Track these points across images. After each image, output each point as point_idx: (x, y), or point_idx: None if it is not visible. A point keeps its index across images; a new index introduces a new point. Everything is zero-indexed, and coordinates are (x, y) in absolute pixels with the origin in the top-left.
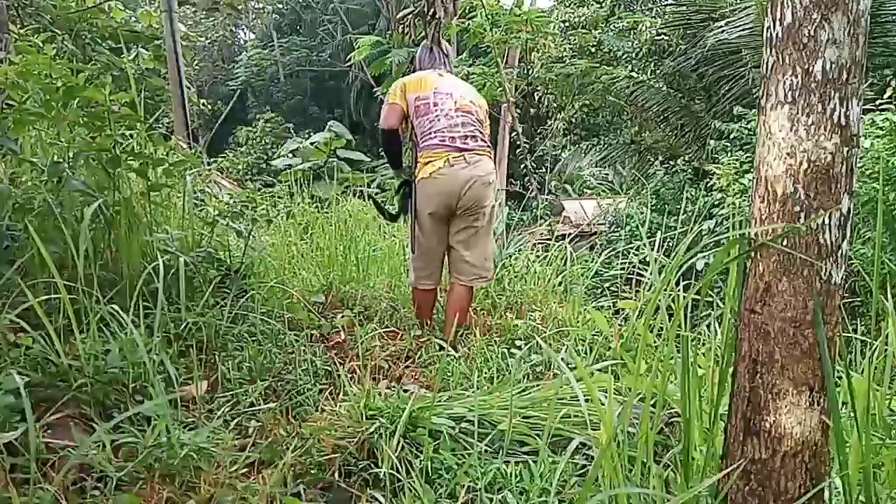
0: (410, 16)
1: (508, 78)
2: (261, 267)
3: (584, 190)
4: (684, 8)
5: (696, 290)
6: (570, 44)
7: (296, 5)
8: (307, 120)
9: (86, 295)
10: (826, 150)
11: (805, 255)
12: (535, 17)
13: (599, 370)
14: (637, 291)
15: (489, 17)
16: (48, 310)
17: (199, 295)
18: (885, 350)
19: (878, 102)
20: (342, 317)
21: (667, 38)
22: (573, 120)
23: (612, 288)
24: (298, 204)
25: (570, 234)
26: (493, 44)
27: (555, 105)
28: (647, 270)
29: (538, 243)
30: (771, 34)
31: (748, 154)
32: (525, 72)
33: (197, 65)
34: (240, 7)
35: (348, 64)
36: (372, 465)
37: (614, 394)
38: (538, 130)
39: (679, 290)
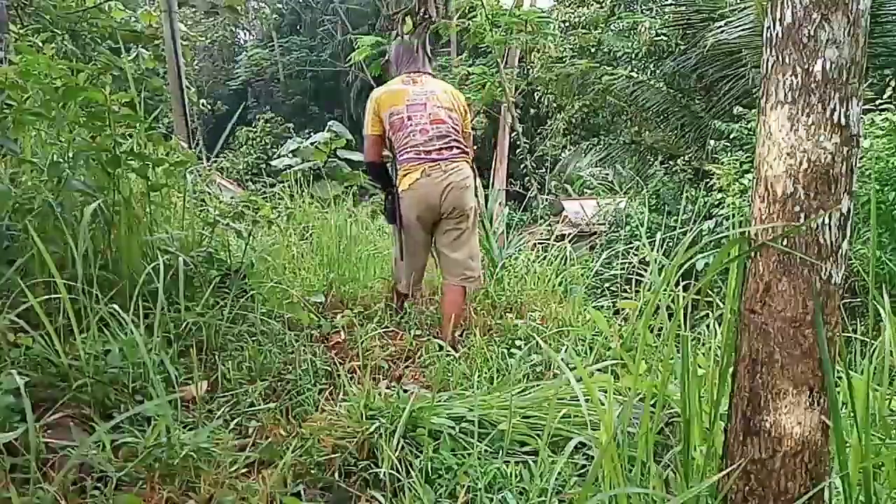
0: (401, 13)
1: (508, 78)
2: (261, 267)
3: (584, 190)
4: (684, 8)
5: (696, 290)
6: (570, 44)
7: (296, 5)
8: (307, 120)
9: (86, 295)
10: (826, 150)
11: (805, 255)
12: (535, 17)
13: (599, 370)
14: (637, 291)
15: (489, 17)
16: (48, 310)
17: (199, 295)
18: (885, 350)
19: (878, 102)
20: (342, 317)
21: (667, 38)
22: (573, 120)
23: (612, 288)
24: (299, 205)
25: (570, 234)
26: (493, 44)
27: (555, 105)
28: (647, 270)
29: (538, 243)
30: (771, 34)
31: (748, 154)
32: (525, 72)
33: (197, 65)
34: (240, 7)
35: (348, 64)
36: (372, 465)
37: (614, 394)
38: (538, 130)
39: (679, 291)
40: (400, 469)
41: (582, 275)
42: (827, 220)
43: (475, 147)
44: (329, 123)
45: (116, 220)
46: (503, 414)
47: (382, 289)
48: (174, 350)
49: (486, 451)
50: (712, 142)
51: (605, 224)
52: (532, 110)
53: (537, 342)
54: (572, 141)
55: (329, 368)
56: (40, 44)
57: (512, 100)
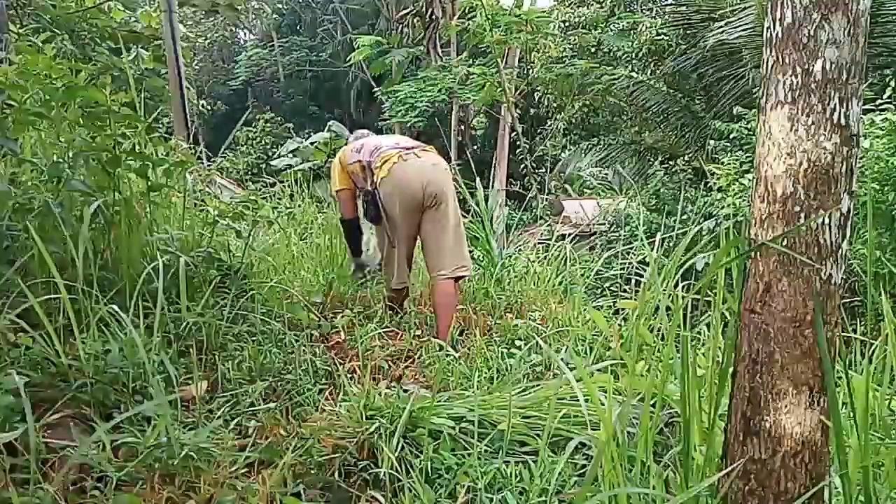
0: (409, 16)
1: (508, 78)
2: (261, 267)
3: (584, 190)
4: (684, 8)
5: (696, 290)
6: (570, 44)
7: (296, 5)
8: (307, 120)
9: (86, 295)
10: (826, 150)
11: (805, 255)
12: (535, 17)
13: (599, 370)
14: (637, 291)
15: (489, 17)
16: (48, 310)
17: (199, 295)
18: (885, 350)
19: (878, 102)
20: (342, 317)
21: (667, 38)
22: (573, 120)
23: (612, 288)
24: (298, 204)
25: (570, 234)
26: (492, 44)
27: (555, 105)
28: (646, 270)
29: (538, 243)
30: (771, 34)
31: (748, 154)
32: (525, 72)
33: (197, 65)
34: (240, 7)
35: (348, 64)
36: (372, 465)
37: (614, 394)
38: (538, 130)
39: (678, 291)
40: (400, 469)
41: (582, 275)
42: (827, 220)
43: (475, 147)
44: (329, 123)
45: (116, 220)
46: (503, 414)
47: (382, 289)
48: (174, 350)
49: (486, 451)
50: (712, 142)
51: (605, 224)
52: (532, 110)
53: (537, 342)
54: (572, 141)
55: (329, 368)
56: (40, 44)
57: (512, 100)
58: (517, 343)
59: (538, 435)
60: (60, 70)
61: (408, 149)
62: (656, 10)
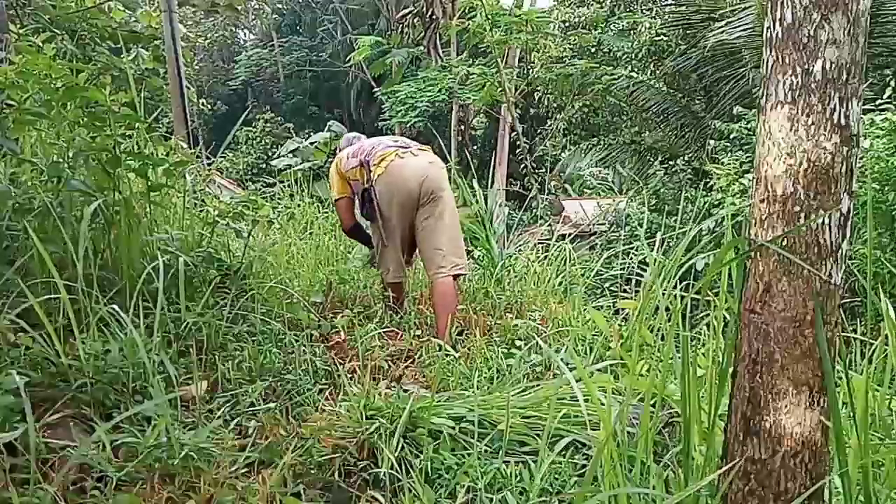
0: (409, 16)
1: (508, 78)
2: (261, 267)
3: (584, 190)
4: (684, 8)
5: (696, 290)
6: (570, 44)
7: (296, 5)
8: (307, 120)
9: (86, 295)
10: (826, 150)
11: (805, 256)
12: (535, 17)
13: (599, 370)
14: (637, 291)
15: (489, 17)
16: (48, 310)
17: (199, 295)
18: (885, 350)
19: (878, 102)
20: (342, 317)
21: (667, 38)
22: (573, 120)
23: (612, 288)
24: (298, 204)
25: (570, 234)
26: (492, 44)
27: (555, 105)
28: (646, 270)
29: (538, 243)
30: (771, 34)
31: (748, 154)
32: (525, 72)
33: (197, 65)
34: (240, 7)
35: (348, 64)
36: (372, 465)
37: (614, 394)
38: (538, 130)
39: (678, 291)
40: (400, 469)
41: (582, 275)
42: (827, 220)
43: (475, 147)
44: (329, 123)
45: (116, 220)
46: (503, 414)
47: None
48: (174, 350)
49: (486, 451)
50: (712, 142)
51: (605, 224)
52: (532, 110)
53: (537, 342)
54: (572, 141)
55: (329, 368)
56: (40, 44)
57: (512, 100)
58: (517, 343)
59: (538, 435)
60: (60, 70)
61: (405, 147)
62: (656, 10)
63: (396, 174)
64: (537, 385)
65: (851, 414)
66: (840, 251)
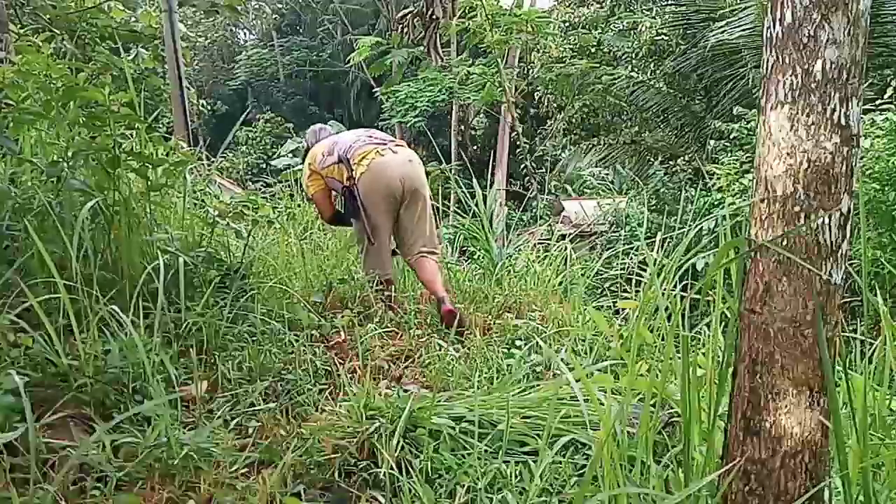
0: (409, 16)
1: (508, 78)
2: (261, 267)
3: (584, 190)
4: (684, 8)
5: (697, 290)
6: (570, 44)
7: (296, 5)
8: (307, 120)
9: (86, 295)
10: (826, 150)
11: (805, 256)
12: (535, 17)
13: (599, 370)
14: (637, 291)
15: (489, 17)
16: (48, 310)
17: (199, 295)
18: (885, 350)
19: (878, 102)
20: (342, 317)
21: (667, 38)
22: (573, 120)
23: (612, 288)
24: (298, 204)
25: (570, 234)
26: (493, 44)
27: (555, 105)
28: (647, 271)
29: (538, 243)
30: (771, 34)
31: (748, 154)
32: (525, 72)
33: (197, 65)
34: (240, 7)
35: (348, 64)
36: (372, 465)
37: (614, 394)
38: (538, 130)
39: (678, 291)
40: (400, 469)
41: (582, 275)
42: (827, 220)
43: (475, 147)
44: (329, 123)
45: (116, 220)
46: (503, 414)
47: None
48: (174, 350)
49: (486, 451)
50: (712, 142)
51: (605, 224)
52: (532, 110)
53: (537, 342)
54: (572, 141)
55: (329, 368)
56: (40, 44)
57: (512, 100)
58: (517, 343)
59: (538, 435)
60: (60, 70)
61: (383, 143)
62: (656, 10)
63: (379, 172)
64: (537, 385)
65: (851, 414)
66: (840, 251)
